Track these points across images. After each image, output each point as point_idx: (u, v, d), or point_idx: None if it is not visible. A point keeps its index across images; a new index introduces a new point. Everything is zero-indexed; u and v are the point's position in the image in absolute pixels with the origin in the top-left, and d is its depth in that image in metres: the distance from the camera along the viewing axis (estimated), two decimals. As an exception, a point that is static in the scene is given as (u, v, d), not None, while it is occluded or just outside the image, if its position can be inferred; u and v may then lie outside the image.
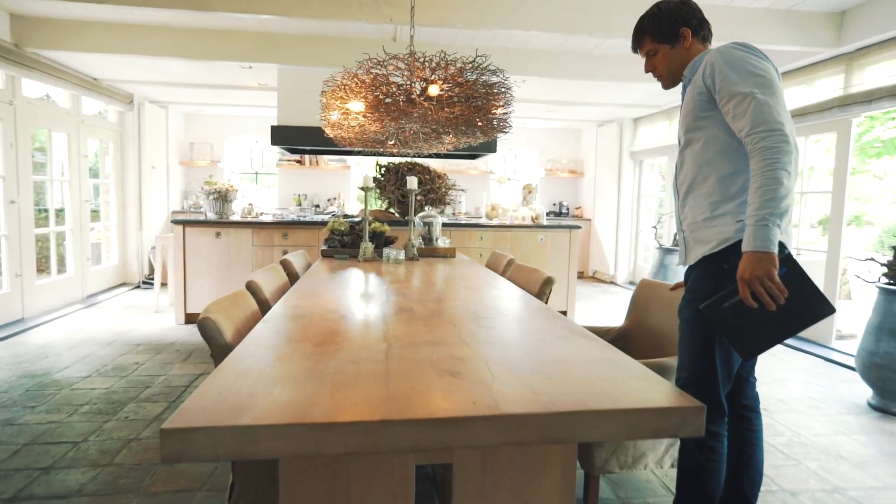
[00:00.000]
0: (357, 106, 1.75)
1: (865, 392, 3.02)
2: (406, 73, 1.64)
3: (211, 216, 4.61)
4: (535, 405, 0.95)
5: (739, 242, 1.36)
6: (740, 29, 3.56)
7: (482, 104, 1.78)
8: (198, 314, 4.67)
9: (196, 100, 6.51)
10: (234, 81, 5.35)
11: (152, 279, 6.13)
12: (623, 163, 7.22)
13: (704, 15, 1.61)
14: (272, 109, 6.82)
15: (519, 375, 1.11)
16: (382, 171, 4.75)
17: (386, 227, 3.49)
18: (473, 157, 5.79)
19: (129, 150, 6.16)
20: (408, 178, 3.31)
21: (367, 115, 1.77)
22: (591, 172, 8.09)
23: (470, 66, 1.67)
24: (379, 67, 1.64)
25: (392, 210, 4.88)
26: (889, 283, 2.78)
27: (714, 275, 1.43)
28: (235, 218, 4.79)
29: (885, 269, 2.85)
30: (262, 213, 5.56)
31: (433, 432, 0.89)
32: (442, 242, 3.69)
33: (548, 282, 2.25)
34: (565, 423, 0.93)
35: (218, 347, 1.37)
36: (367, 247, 3.21)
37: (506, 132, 2.03)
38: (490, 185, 8.27)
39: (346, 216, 5.05)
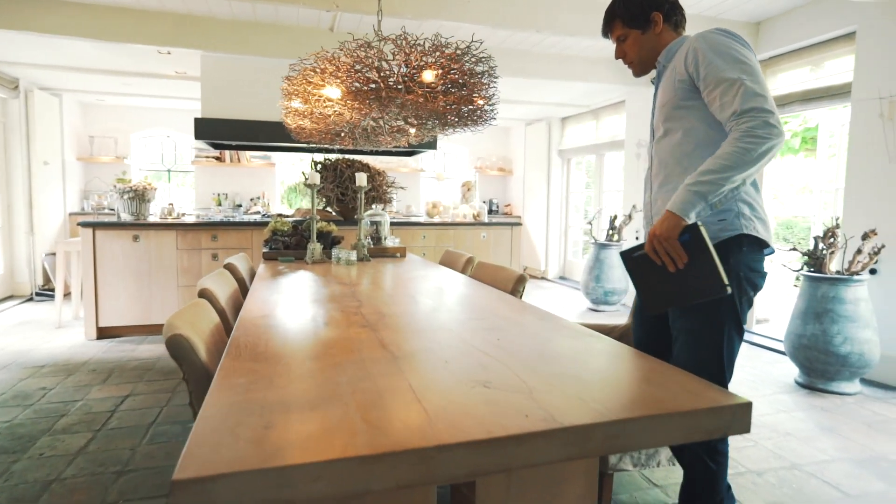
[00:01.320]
0: (334, 93, 1.58)
1: (791, 371, 3.29)
2: (396, 57, 1.50)
3: (126, 217, 4.13)
4: (591, 414, 0.88)
5: (727, 240, 1.36)
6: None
7: (465, 94, 1.68)
8: (113, 327, 4.20)
9: (97, 88, 5.83)
10: (147, 68, 4.84)
11: (48, 290, 5.41)
12: (552, 161, 7.43)
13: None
14: (188, 101, 6.28)
15: (553, 382, 1.03)
16: (319, 169, 4.50)
17: (333, 227, 3.29)
18: (411, 153, 5.68)
19: (14, 144, 5.38)
20: (357, 174, 3.14)
21: (348, 102, 1.61)
22: (519, 171, 8.25)
23: (462, 51, 1.57)
24: (365, 49, 1.48)
25: (330, 209, 4.65)
26: (811, 271, 3.03)
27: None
28: (155, 219, 4.33)
29: (806, 259, 3.11)
30: (183, 214, 5.09)
31: (492, 454, 0.79)
32: (391, 242, 3.56)
33: (521, 280, 2.21)
34: (625, 431, 0.87)
35: (193, 368, 1.17)
36: (316, 248, 3.01)
37: (491, 122, 1.95)
38: (420, 183, 8.18)
39: (280, 216, 4.74)
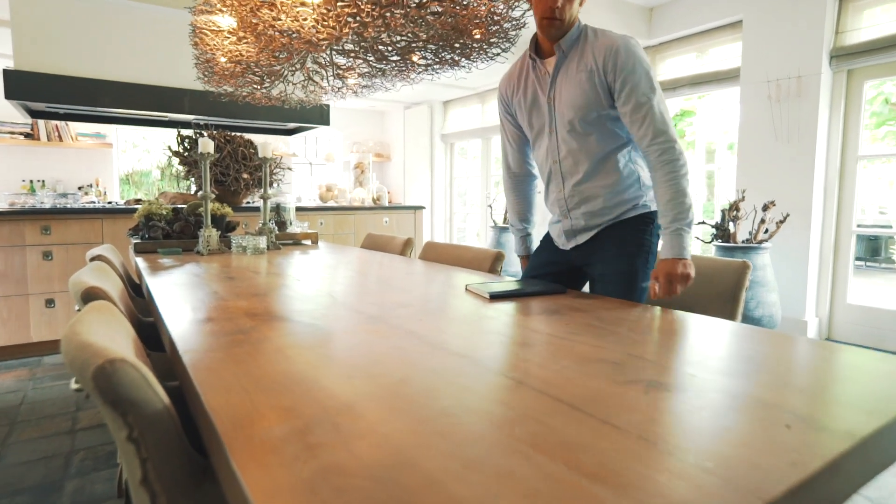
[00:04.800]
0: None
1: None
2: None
3: None
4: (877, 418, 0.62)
5: (644, 215, 1.51)
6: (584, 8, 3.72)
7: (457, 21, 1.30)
8: None
9: None
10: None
11: None
12: (435, 146, 7.23)
13: None
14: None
15: (739, 381, 0.76)
16: (188, 145, 3.69)
17: (227, 210, 2.65)
18: (291, 132, 5.02)
19: None
20: (261, 145, 2.55)
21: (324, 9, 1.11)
22: (398, 156, 7.93)
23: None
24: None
25: (199, 193, 3.85)
26: (722, 242, 3.22)
27: (638, 230, 1.50)
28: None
29: (714, 231, 3.29)
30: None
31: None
32: (297, 227, 3.01)
33: (499, 257, 1.91)
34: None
35: (147, 413, 0.66)
36: (213, 234, 2.38)
37: (505, 52, 1.57)
38: (295, 168, 7.42)
39: (137, 201, 3.81)
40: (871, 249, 6.65)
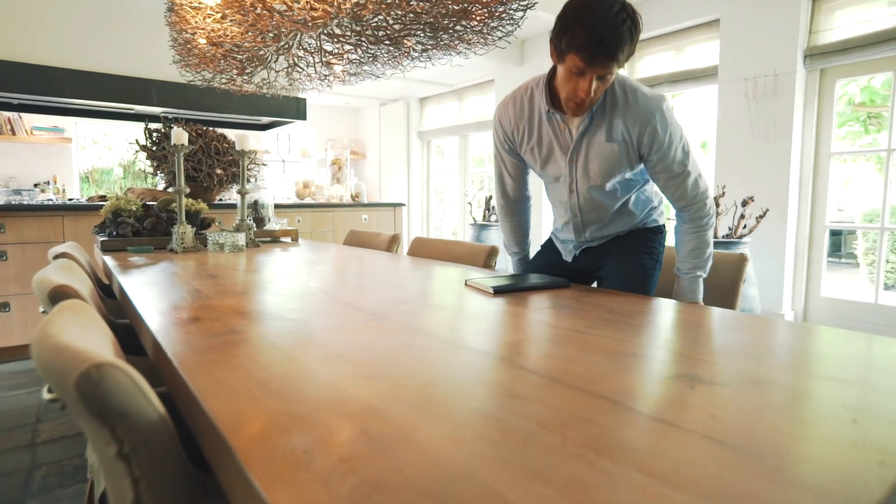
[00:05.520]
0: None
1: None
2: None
3: None
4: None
5: (654, 227, 1.56)
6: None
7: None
8: None
9: None
10: None
11: None
12: (411, 143, 7.15)
13: None
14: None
15: (779, 374, 0.72)
16: (155, 139, 3.51)
17: (203, 206, 2.52)
18: (265, 127, 4.87)
19: None
20: (237, 136, 2.43)
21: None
22: (374, 154, 7.81)
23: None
24: None
25: (171, 189, 3.67)
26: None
27: (648, 238, 1.54)
28: None
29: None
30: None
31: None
32: (276, 224, 2.89)
33: (493, 252, 1.85)
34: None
35: (142, 426, 0.57)
36: (188, 231, 2.25)
37: (505, 36, 1.47)
38: (269, 165, 7.21)
39: (102, 197, 3.61)
40: (833, 245, 6.88)
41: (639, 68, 4.27)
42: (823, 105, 3.38)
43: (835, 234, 6.51)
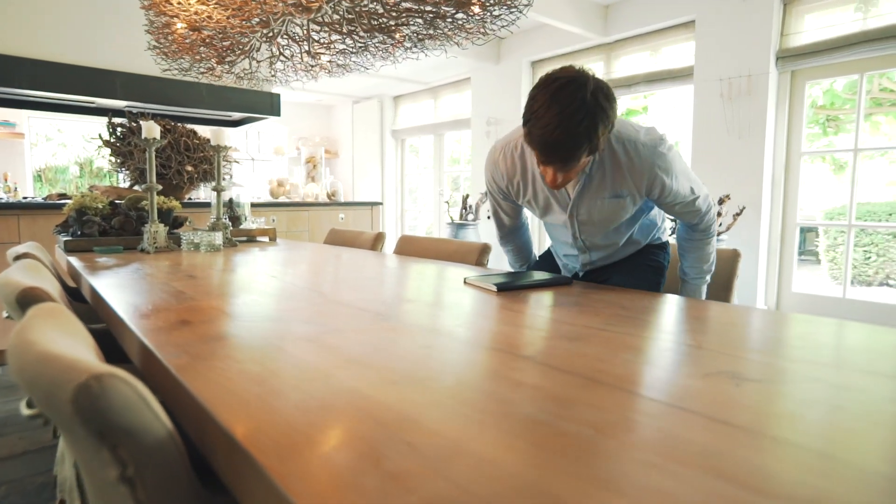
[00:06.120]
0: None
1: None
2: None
3: None
4: None
5: (661, 244, 1.58)
6: (543, 2, 3.69)
7: None
8: None
9: None
10: None
11: None
12: (385, 142, 7.06)
13: None
14: None
15: (817, 369, 0.70)
16: (120, 134, 3.33)
17: (175, 203, 2.39)
18: (236, 124, 4.71)
19: None
20: (212, 131, 2.32)
21: None
22: (346, 152, 7.68)
23: None
24: None
25: (139, 188, 3.50)
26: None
27: (652, 252, 1.56)
28: None
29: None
30: None
31: None
32: (253, 223, 2.78)
33: (485, 249, 1.81)
34: None
35: (149, 445, 0.50)
36: (160, 230, 2.13)
37: (503, 26, 1.42)
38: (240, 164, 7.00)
39: (62, 195, 3.40)
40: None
41: (615, 68, 4.31)
42: (794, 106, 3.47)
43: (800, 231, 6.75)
